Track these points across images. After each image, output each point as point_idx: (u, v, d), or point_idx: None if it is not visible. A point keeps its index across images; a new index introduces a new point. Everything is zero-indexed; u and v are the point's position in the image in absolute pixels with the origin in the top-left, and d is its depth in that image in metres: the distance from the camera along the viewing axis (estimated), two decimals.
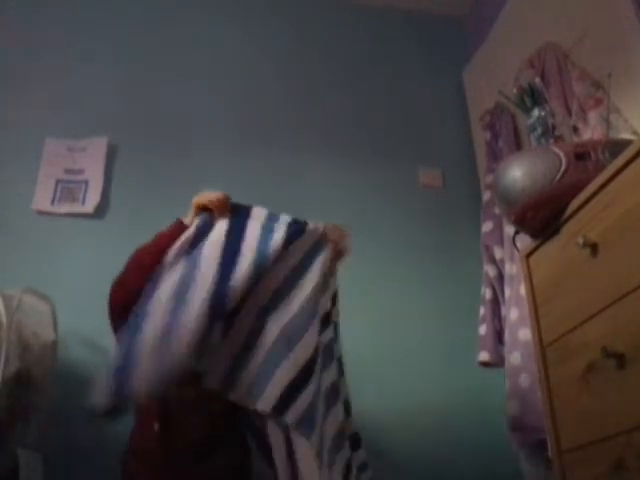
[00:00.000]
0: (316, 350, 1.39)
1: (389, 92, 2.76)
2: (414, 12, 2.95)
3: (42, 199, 2.22)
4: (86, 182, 2.28)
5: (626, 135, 1.64)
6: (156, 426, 1.43)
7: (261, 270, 1.40)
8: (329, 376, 1.45)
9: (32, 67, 2.42)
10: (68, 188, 2.26)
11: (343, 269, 2.31)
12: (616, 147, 1.38)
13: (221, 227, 1.47)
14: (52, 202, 2.22)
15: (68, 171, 2.29)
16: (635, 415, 1.15)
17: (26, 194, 2.20)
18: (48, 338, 1.68)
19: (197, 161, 2.39)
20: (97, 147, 2.34)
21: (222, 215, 1.49)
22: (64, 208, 2.22)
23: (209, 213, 1.50)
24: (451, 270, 2.42)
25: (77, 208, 2.23)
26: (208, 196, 1.52)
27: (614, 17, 1.85)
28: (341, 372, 1.55)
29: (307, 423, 1.31)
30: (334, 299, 1.58)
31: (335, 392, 1.46)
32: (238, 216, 1.51)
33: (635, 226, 1.20)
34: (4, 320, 1.55)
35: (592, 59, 1.90)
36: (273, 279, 1.44)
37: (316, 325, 1.42)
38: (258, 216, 1.53)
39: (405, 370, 2.19)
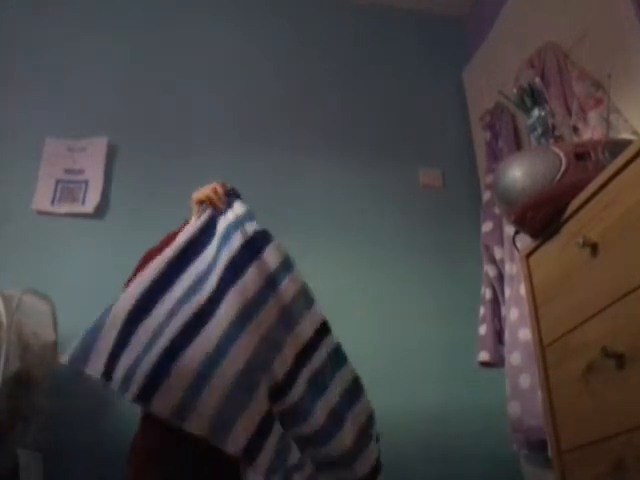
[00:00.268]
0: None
1: (389, 92, 2.76)
2: (414, 12, 2.95)
3: (42, 199, 2.22)
4: (86, 182, 2.28)
5: (626, 135, 1.64)
6: (161, 425, 1.44)
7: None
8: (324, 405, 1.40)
9: (32, 67, 2.42)
10: (68, 188, 2.26)
11: (343, 269, 2.33)
12: (616, 147, 1.38)
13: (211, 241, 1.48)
14: (52, 202, 2.22)
15: (68, 171, 2.29)
16: (635, 415, 1.15)
17: (26, 194, 2.20)
18: (48, 338, 1.68)
19: (197, 161, 2.39)
20: (97, 147, 2.34)
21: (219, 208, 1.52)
22: (64, 208, 2.22)
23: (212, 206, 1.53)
24: (451, 270, 2.42)
25: (77, 208, 2.23)
26: (206, 190, 1.54)
27: (614, 17, 1.85)
28: (352, 395, 1.50)
29: (275, 470, 1.27)
30: (322, 327, 1.50)
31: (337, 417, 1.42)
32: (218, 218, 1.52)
33: (635, 226, 1.20)
34: (4, 320, 1.55)
35: (592, 59, 1.90)
36: (235, 302, 1.36)
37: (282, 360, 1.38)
38: (232, 215, 1.51)
39: (405, 370, 2.19)
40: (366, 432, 1.48)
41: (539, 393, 1.53)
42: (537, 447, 1.85)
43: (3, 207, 2.17)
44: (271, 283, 1.43)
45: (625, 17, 1.81)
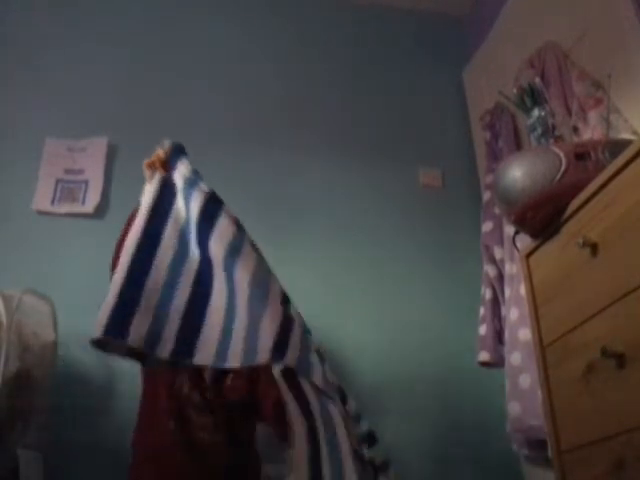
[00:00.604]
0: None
1: (389, 92, 2.76)
2: (414, 12, 2.95)
3: (42, 199, 2.22)
4: (86, 182, 2.28)
5: (626, 135, 1.64)
6: (171, 424, 1.45)
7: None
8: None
9: (32, 67, 2.42)
10: (68, 188, 2.26)
11: (343, 269, 2.33)
12: (616, 147, 1.38)
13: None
14: (52, 202, 2.22)
15: (68, 171, 2.29)
16: (635, 415, 1.15)
17: (26, 194, 2.20)
18: (48, 338, 1.68)
19: (197, 161, 2.38)
20: (97, 147, 2.34)
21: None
22: (64, 208, 2.22)
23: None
24: (451, 270, 2.42)
25: (77, 208, 2.23)
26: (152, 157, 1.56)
27: (614, 17, 1.84)
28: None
29: (305, 363, 1.31)
30: None
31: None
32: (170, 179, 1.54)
33: (635, 226, 1.20)
34: (4, 320, 1.55)
35: (592, 59, 1.90)
36: (219, 248, 1.40)
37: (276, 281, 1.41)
38: (183, 169, 1.54)
39: (405, 369, 2.19)
40: None
41: (539, 393, 1.53)
42: (537, 447, 1.85)
43: (3, 207, 2.17)
44: (240, 227, 1.47)
45: (625, 17, 1.80)
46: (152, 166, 1.55)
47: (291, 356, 1.27)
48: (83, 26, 2.55)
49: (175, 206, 1.48)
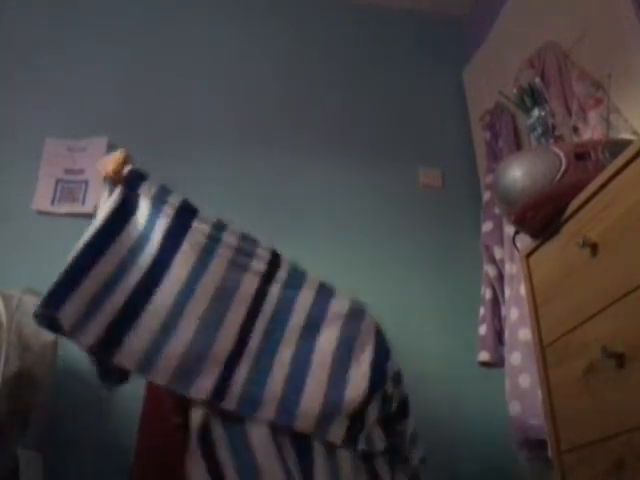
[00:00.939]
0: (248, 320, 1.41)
1: (389, 92, 2.76)
2: (414, 12, 2.95)
3: (42, 199, 2.22)
4: (86, 182, 2.28)
5: (626, 135, 1.64)
6: (176, 419, 1.45)
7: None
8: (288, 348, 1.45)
9: (32, 67, 2.42)
10: (68, 188, 2.26)
11: (343, 269, 2.32)
12: (616, 147, 1.38)
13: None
14: (52, 202, 2.22)
15: (68, 171, 2.29)
16: (635, 415, 1.15)
17: (26, 194, 2.20)
18: (48, 338, 1.68)
19: (197, 161, 2.39)
20: (97, 147, 2.34)
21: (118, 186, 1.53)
22: (64, 208, 2.22)
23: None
24: (451, 270, 2.42)
25: (77, 208, 2.23)
26: (108, 166, 1.56)
27: (614, 17, 1.85)
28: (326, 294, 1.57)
29: (248, 404, 1.31)
30: (274, 257, 1.57)
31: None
32: (130, 193, 1.53)
33: (635, 226, 1.20)
34: (4, 320, 1.55)
35: (592, 59, 1.90)
36: (183, 267, 1.42)
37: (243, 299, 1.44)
38: (147, 195, 1.53)
39: (404, 370, 2.19)
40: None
41: (539, 393, 1.53)
42: (537, 447, 1.85)
43: (3, 207, 2.17)
44: (212, 239, 1.48)
45: (625, 17, 1.80)
46: (111, 178, 1.55)
47: (230, 398, 1.29)
48: (83, 26, 2.55)
49: (133, 219, 1.48)
